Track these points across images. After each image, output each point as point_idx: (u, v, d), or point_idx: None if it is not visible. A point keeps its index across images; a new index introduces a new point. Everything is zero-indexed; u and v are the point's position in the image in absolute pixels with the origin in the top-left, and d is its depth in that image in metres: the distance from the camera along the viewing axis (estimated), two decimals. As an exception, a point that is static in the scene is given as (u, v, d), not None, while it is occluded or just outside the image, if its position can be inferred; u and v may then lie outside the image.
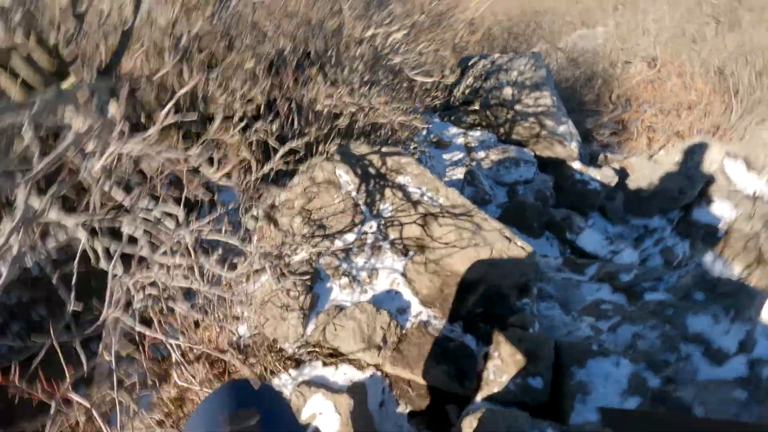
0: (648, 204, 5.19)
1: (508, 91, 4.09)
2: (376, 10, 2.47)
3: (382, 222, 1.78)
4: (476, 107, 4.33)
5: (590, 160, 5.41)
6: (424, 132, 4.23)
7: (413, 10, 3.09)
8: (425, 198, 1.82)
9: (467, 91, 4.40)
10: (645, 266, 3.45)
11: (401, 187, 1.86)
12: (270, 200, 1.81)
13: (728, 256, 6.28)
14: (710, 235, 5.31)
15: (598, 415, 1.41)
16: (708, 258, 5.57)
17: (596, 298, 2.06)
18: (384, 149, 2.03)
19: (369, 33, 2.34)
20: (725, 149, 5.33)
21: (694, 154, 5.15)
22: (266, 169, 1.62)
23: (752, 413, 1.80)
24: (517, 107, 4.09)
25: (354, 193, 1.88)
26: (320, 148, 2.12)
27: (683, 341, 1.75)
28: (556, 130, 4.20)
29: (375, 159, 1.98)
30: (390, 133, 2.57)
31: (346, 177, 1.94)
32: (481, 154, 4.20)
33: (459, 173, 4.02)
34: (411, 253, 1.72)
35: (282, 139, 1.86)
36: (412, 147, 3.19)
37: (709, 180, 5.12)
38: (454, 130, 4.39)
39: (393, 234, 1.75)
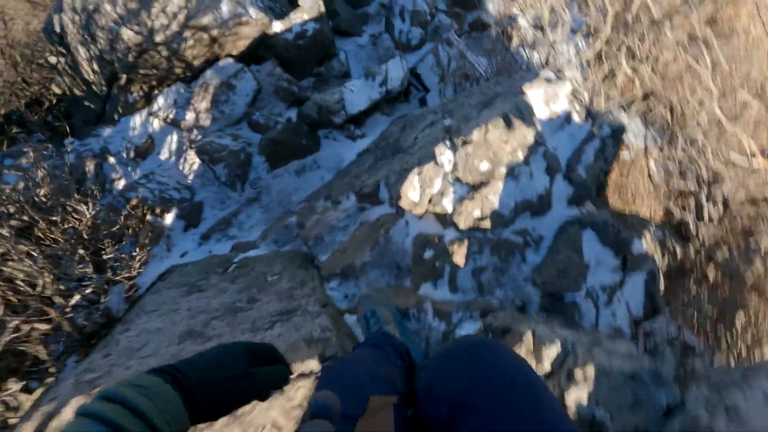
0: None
1: (128, 34, 2.83)
2: None
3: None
4: (125, 77, 3.07)
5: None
6: (113, 161, 3.04)
7: None
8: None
9: (95, 66, 3.04)
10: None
11: None
12: None
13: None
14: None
15: None
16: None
17: (418, 233, 1.67)
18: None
19: None
20: None
21: None
22: None
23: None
24: (159, 37, 2.91)
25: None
26: None
27: (511, 228, 1.48)
28: (223, 16, 3.15)
29: None
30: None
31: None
32: (190, 115, 3.17)
33: (193, 163, 3.08)
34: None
35: None
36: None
37: None
38: (137, 120, 3.20)
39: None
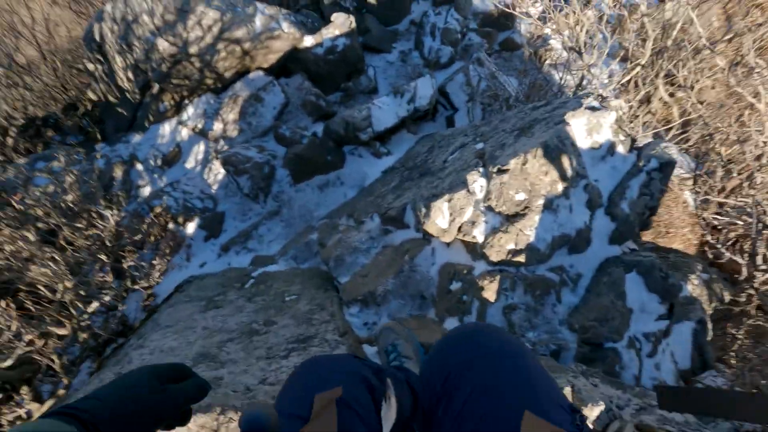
0: (393, 8, 4.56)
1: (164, 44, 2.88)
2: None
3: None
4: (157, 85, 3.12)
5: (317, 10, 4.46)
6: (141, 168, 3.07)
7: None
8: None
9: (129, 74, 3.10)
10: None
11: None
12: None
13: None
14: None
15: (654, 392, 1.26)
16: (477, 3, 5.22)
17: (445, 262, 1.60)
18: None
19: None
20: None
21: None
22: None
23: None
24: (192, 49, 2.96)
25: None
26: None
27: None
28: (255, 29, 3.18)
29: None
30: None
31: None
32: (218, 126, 3.20)
33: (218, 174, 3.08)
34: None
35: None
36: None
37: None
38: (166, 128, 3.24)
39: None
